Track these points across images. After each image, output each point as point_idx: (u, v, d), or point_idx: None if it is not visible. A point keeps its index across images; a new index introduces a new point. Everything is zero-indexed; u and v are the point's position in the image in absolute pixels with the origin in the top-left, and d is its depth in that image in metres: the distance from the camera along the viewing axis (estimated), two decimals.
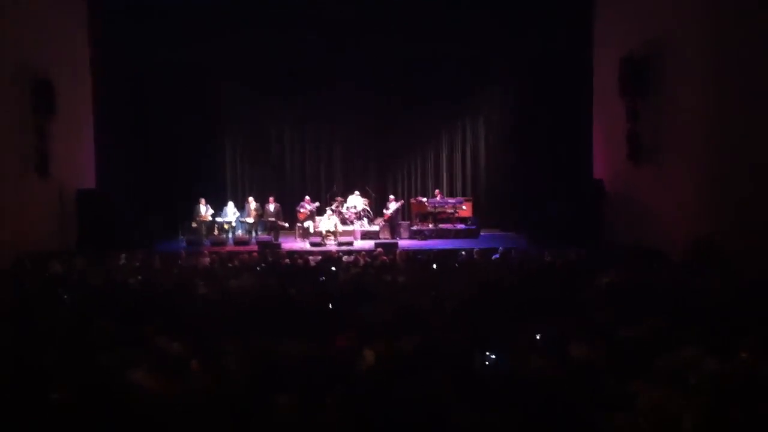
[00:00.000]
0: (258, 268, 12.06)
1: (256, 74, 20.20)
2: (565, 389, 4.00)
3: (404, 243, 17.37)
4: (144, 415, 4.03)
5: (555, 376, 4.26)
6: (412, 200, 20.08)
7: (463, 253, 13.99)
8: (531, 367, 4.49)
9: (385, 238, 18.20)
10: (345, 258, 13.35)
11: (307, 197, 19.16)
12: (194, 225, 18.40)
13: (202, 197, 18.64)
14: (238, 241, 17.85)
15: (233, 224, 18.63)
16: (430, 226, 18.92)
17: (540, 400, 3.86)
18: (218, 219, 18.52)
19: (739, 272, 9.76)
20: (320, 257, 13.74)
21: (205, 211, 18.44)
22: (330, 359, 5.06)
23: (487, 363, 4.71)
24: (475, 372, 4.64)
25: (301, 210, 18.73)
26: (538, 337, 5.25)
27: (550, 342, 5.11)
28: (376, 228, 18.84)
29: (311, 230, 18.19)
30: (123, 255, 13.05)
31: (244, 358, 5.06)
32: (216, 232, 18.45)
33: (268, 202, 18.83)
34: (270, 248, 15.73)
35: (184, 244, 17.59)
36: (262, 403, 4.10)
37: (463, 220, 19.32)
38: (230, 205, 18.83)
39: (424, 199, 19.62)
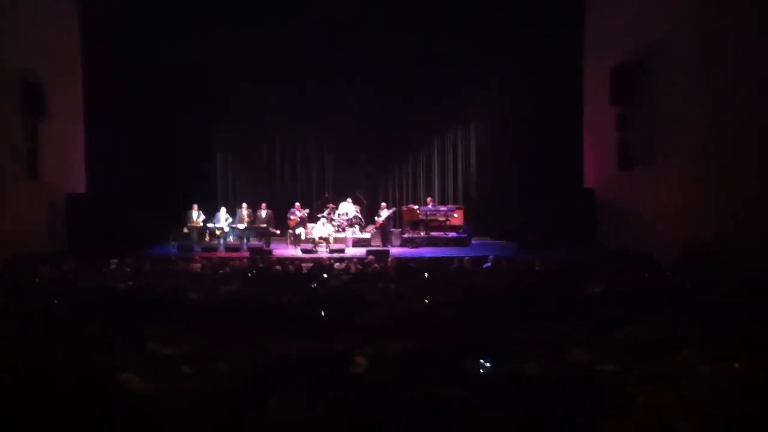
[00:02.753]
0: (249, 275, 12.04)
1: (247, 81, 20.22)
2: (561, 393, 4.00)
3: (396, 251, 17.37)
4: (135, 419, 4.01)
5: (552, 380, 4.26)
6: (404, 208, 20.09)
7: (455, 261, 14.00)
8: (527, 371, 4.49)
9: (377, 245, 18.21)
10: (336, 265, 13.33)
11: (298, 204, 19.16)
12: (186, 230, 18.38)
13: (195, 203, 18.63)
14: (230, 248, 17.82)
15: (225, 230, 18.60)
16: (422, 233, 18.93)
17: (536, 403, 3.86)
18: (210, 225, 18.50)
19: (729, 274, 9.82)
20: (311, 264, 13.72)
21: (197, 216, 18.43)
22: (323, 360, 5.05)
23: (481, 370, 4.70)
24: (469, 376, 4.63)
25: (292, 216, 18.73)
26: (533, 342, 5.25)
27: (545, 346, 5.11)
28: (367, 235, 18.85)
29: (302, 237, 18.19)
30: (113, 260, 13.00)
31: (236, 360, 5.05)
32: (207, 238, 18.43)
33: (260, 208, 18.82)
34: (261, 255, 15.71)
35: (174, 249, 17.55)
36: (254, 404, 4.09)
37: (454, 228, 19.32)
38: (222, 211, 18.81)
39: (416, 207, 19.63)
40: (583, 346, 4.98)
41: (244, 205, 19.01)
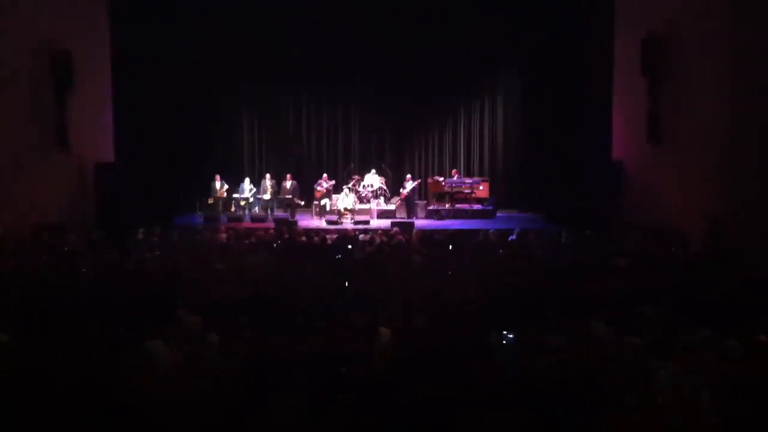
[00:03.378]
0: (274, 245, 12.11)
1: (276, 49, 20.12)
2: (583, 368, 4.01)
3: (420, 222, 17.35)
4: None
5: (574, 355, 4.26)
6: (429, 180, 20.02)
7: (480, 234, 13.97)
8: (550, 345, 4.50)
9: (402, 217, 18.19)
10: (361, 236, 13.34)
11: (325, 175, 19.15)
12: (211, 201, 18.47)
13: (218, 173, 18.70)
14: (255, 218, 17.90)
15: (250, 201, 18.68)
16: (447, 206, 18.87)
17: (559, 379, 3.87)
18: (235, 195, 18.58)
19: (755, 256, 9.73)
20: (336, 235, 13.74)
21: (221, 186, 18.50)
22: (341, 345, 5.07)
23: (504, 342, 4.72)
24: (491, 349, 4.65)
25: (318, 188, 18.74)
26: (555, 316, 5.26)
27: (568, 321, 5.11)
28: (392, 207, 18.82)
29: (328, 208, 18.21)
30: (141, 230, 13.09)
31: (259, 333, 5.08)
32: (233, 208, 18.51)
33: (285, 179, 18.85)
34: (287, 225, 15.74)
35: (201, 219, 17.65)
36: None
37: (480, 200, 19.23)
38: (247, 181, 18.87)
39: (441, 179, 19.57)
40: (605, 320, 4.98)
41: (268, 175, 19.05)
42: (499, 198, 19.68)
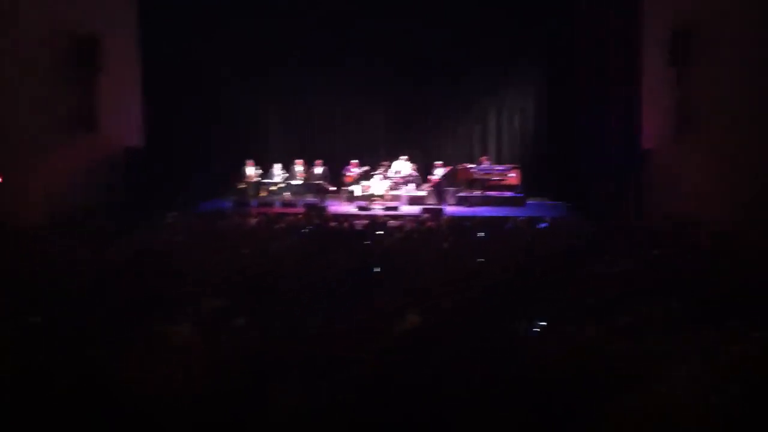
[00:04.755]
0: (304, 230, 12.11)
1: (304, 37, 20.13)
2: (605, 359, 3.95)
3: (450, 209, 17.32)
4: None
5: (590, 346, 4.20)
6: (459, 167, 19.94)
7: (509, 221, 13.89)
8: (571, 334, 4.43)
9: (432, 203, 18.17)
10: (391, 222, 13.31)
11: (355, 161, 19.14)
12: (242, 186, 18.54)
13: (250, 159, 18.76)
14: (285, 203, 17.95)
15: (280, 186, 18.72)
16: (477, 193, 18.80)
17: (574, 369, 3.82)
18: (265, 180, 18.63)
19: None
20: (366, 221, 13.73)
21: (253, 172, 18.56)
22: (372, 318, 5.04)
23: (533, 330, 4.67)
24: (517, 337, 4.60)
25: (348, 173, 18.75)
26: (579, 306, 5.19)
27: (591, 311, 5.04)
28: (422, 193, 18.78)
29: (357, 194, 18.21)
30: (171, 214, 13.14)
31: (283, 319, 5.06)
32: (263, 193, 18.57)
33: (315, 164, 18.88)
34: (317, 211, 15.77)
35: (231, 204, 17.73)
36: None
37: (510, 187, 19.14)
38: (277, 167, 18.92)
39: (471, 166, 19.48)
40: (627, 314, 4.89)
41: (299, 161, 19.08)
42: (529, 186, 19.54)
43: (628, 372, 3.87)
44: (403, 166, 19.39)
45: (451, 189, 19.15)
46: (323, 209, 16.45)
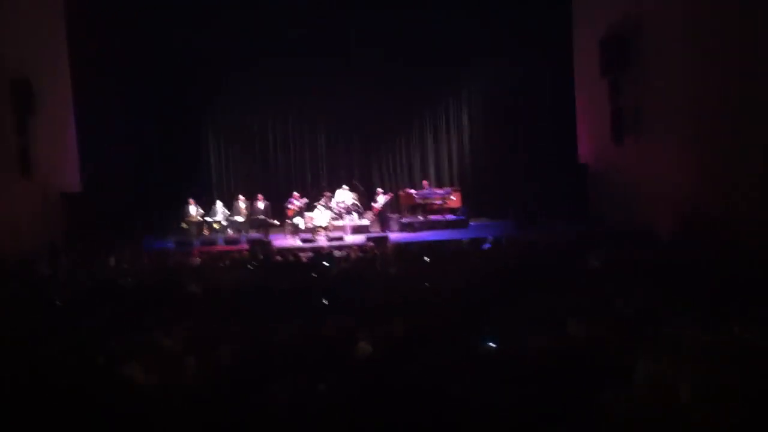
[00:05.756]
0: (249, 266, 12.03)
1: (236, 69, 20.11)
2: (563, 366, 4.00)
3: (395, 236, 17.38)
4: (137, 411, 3.99)
5: (553, 354, 4.26)
6: (401, 192, 20.06)
7: (454, 244, 14.00)
8: (529, 346, 4.49)
9: (376, 231, 18.22)
10: (336, 253, 13.31)
11: (296, 193, 19.11)
12: (184, 226, 18.35)
13: (191, 197, 18.60)
14: (229, 241, 17.80)
15: (223, 223, 18.58)
16: (420, 217, 18.92)
17: (538, 377, 3.86)
18: (207, 219, 18.47)
19: (726, 244, 9.84)
20: (311, 253, 13.70)
21: (195, 211, 18.40)
22: (324, 344, 5.05)
23: (485, 345, 4.71)
24: (472, 353, 4.64)
25: (290, 206, 18.69)
26: (535, 317, 5.26)
27: (547, 321, 5.11)
28: (366, 222, 18.81)
29: (301, 226, 18.16)
30: (112, 257, 12.95)
31: (236, 347, 5.04)
32: (206, 231, 18.39)
33: (256, 199, 18.79)
34: (261, 246, 15.68)
35: (172, 245, 17.52)
36: (256, 392, 4.08)
37: (452, 210, 19.30)
38: (219, 204, 18.79)
39: (413, 191, 19.61)
40: (583, 320, 4.98)
41: (241, 197, 18.99)
42: (470, 207, 19.73)
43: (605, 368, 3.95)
44: (344, 196, 19.40)
45: (395, 215, 19.23)
46: (268, 244, 16.35)
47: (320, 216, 17.95)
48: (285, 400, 3.98)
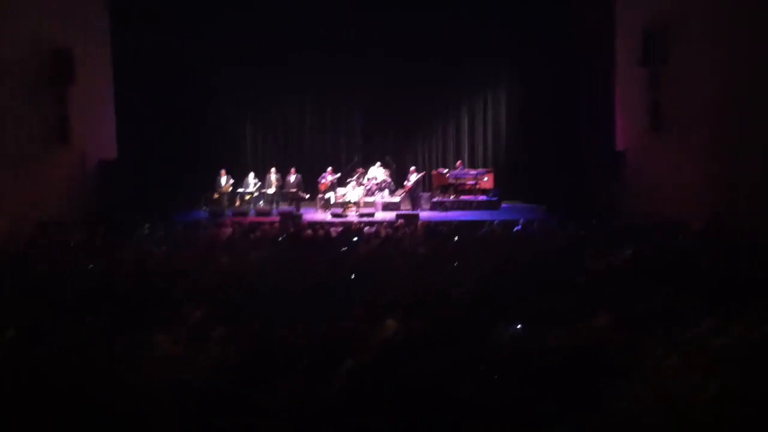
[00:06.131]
0: (279, 239, 12.11)
1: (276, 45, 20.10)
2: (585, 360, 4.01)
3: (425, 214, 17.36)
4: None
5: (575, 347, 4.26)
6: (433, 172, 20.04)
7: (485, 225, 13.94)
8: (552, 338, 4.49)
9: (406, 209, 18.21)
10: (366, 229, 13.33)
11: (329, 168, 19.16)
12: (216, 196, 18.50)
13: (223, 168, 18.73)
14: (260, 212, 17.91)
15: (254, 195, 18.71)
16: (451, 197, 18.89)
17: (558, 370, 3.88)
18: (239, 190, 18.60)
19: (758, 242, 9.74)
20: (341, 228, 13.74)
21: (227, 181, 18.53)
22: (338, 336, 5.07)
23: (510, 334, 4.72)
24: (493, 344, 4.65)
25: (323, 181, 18.75)
26: (558, 309, 5.26)
27: (571, 313, 5.11)
28: (397, 199, 18.82)
29: (332, 201, 18.22)
30: (146, 225, 13.08)
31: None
32: (237, 203, 18.53)
33: (289, 173, 18.87)
34: (291, 219, 15.76)
35: (206, 214, 17.68)
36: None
37: (484, 191, 19.23)
38: (251, 176, 18.90)
39: (445, 171, 19.57)
40: (604, 314, 4.97)
41: (273, 169, 19.08)
42: (503, 189, 19.64)
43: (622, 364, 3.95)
44: (377, 173, 19.41)
45: (426, 194, 19.22)
46: (298, 217, 16.44)
47: (352, 192, 18.00)
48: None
